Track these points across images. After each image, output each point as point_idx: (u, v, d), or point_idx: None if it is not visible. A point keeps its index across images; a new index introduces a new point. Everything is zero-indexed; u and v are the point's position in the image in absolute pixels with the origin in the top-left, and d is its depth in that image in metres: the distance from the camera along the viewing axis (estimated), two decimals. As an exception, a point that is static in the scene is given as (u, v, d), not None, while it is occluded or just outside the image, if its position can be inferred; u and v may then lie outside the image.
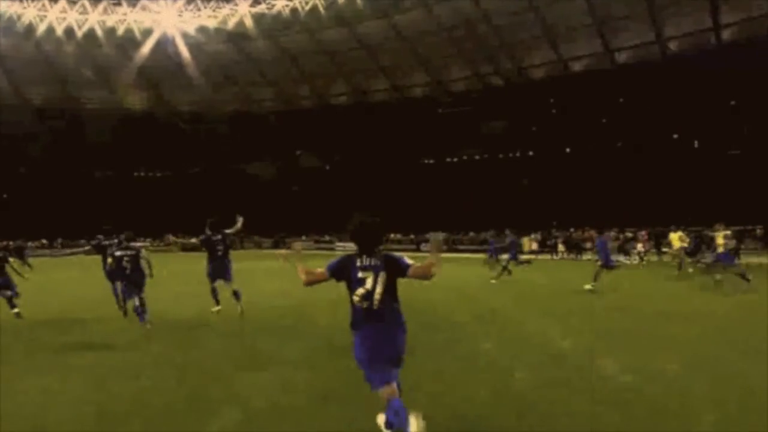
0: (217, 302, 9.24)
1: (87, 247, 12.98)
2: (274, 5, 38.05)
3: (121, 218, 23.58)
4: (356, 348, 3.41)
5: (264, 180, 46.54)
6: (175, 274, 16.61)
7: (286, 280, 13.00)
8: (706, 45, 32.78)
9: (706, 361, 5.54)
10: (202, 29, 40.68)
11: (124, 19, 40.43)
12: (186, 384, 5.08)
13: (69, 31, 40.07)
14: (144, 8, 39.79)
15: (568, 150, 39.24)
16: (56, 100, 45.80)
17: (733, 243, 12.26)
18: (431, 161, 45.44)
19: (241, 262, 18.51)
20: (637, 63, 35.19)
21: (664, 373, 5.11)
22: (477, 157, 42.96)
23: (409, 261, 3.38)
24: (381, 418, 3.48)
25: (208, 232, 9.24)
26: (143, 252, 8.67)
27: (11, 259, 9.78)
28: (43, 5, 38.79)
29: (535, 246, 30.35)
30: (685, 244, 15.56)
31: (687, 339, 6.68)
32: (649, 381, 4.84)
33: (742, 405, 4.22)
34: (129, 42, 41.40)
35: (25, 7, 38.37)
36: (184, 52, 41.57)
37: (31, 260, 10.71)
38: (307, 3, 37.16)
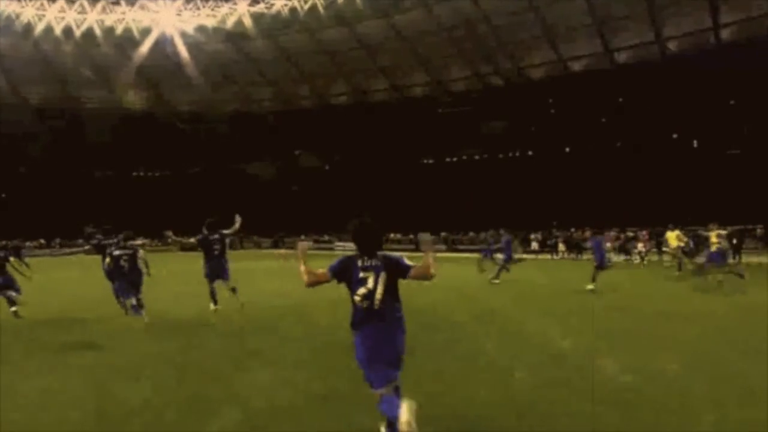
0: (216, 302, 9.24)
1: (87, 247, 12.97)
2: (273, 5, 38.01)
3: (121, 218, 23.55)
4: (357, 348, 3.42)
5: (263, 180, 46.54)
6: (174, 273, 16.61)
7: (285, 280, 12.89)
8: (706, 45, 32.79)
9: (706, 361, 5.55)
10: (200, 29, 40.63)
11: (123, 19, 40.38)
12: (186, 384, 5.08)
13: (67, 31, 40.01)
14: (142, 7, 39.75)
15: (567, 150, 39.27)
16: (55, 100, 45.77)
17: (726, 243, 12.30)
18: (431, 161, 45.47)
19: (241, 261, 18.54)
20: (636, 63, 35.20)
21: (664, 373, 5.11)
22: (477, 157, 42.99)
23: (409, 262, 3.39)
24: (383, 429, 3.49)
25: (205, 232, 9.25)
26: (141, 252, 8.67)
27: (12, 259, 9.77)
28: (42, 4, 38.73)
29: (535, 246, 30.39)
30: (683, 244, 15.57)
31: (687, 339, 6.68)
32: (649, 381, 4.84)
33: (742, 405, 4.22)
34: (128, 41, 41.34)
35: (23, 6, 38.31)
36: (183, 51, 41.53)
37: (28, 260, 10.64)
38: (306, 2, 37.11)
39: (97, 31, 40.45)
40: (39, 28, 39.37)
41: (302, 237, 36.97)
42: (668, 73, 32.56)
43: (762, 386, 4.61)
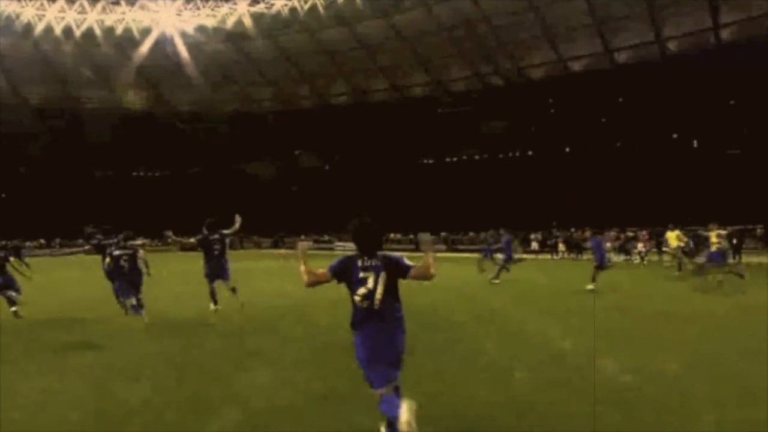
0: (216, 302, 9.25)
1: (87, 247, 12.98)
2: (273, 5, 38.02)
3: (121, 218, 23.56)
4: (357, 348, 3.42)
5: (263, 180, 46.52)
6: (174, 273, 16.60)
7: (285, 280, 12.89)
8: (706, 45, 32.81)
9: (706, 361, 5.55)
10: (200, 29, 40.66)
11: (123, 19, 40.40)
12: (186, 384, 5.07)
13: (67, 31, 40.04)
14: (142, 7, 39.77)
15: (567, 150, 39.26)
16: (55, 100, 45.77)
17: (726, 243, 12.30)
18: (431, 161, 45.46)
19: (241, 261, 18.53)
20: (636, 63, 35.22)
21: (664, 373, 5.11)
22: (477, 157, 42.97)
23: (409, 262, 3.39)
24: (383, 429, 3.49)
25: (205, 232, 9.25)
26: (141, 252, 8.68)
27: (12, 259, 9.77)
28: (42, 4, 38.75)
29: (535, 246, 30.38)
30: (683, 244, 15.57)
31: (687, 339, 6.68)
32: (649, 381, 4.84)
33: (742, 405, 4.22)
34: (128, 41, 41.36)
35: (23, 6, 38.32)
36: (183, 51, 41.55)
37: (28, 260, 10.65)
38: (306, 2, 37.12)
39: (97, 31, 40.47)
40: (39, 28, 39.39)
41: (302, 237, 36.95)
42: (668, 73, 32.58)
43: (762, 386, 4.61)
